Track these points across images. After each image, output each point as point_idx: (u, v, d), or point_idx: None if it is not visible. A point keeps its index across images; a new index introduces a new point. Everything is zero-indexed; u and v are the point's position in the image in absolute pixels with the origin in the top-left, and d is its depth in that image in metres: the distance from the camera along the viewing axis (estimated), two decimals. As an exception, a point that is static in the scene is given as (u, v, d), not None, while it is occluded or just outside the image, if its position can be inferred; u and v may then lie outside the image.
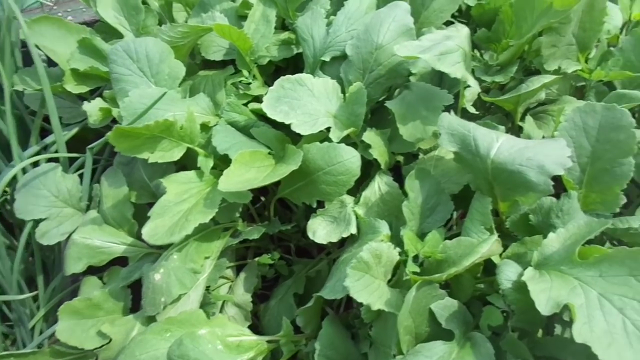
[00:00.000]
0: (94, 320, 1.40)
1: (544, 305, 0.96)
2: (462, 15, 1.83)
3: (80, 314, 1.39)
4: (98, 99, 1.61)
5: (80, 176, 1.70)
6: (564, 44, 1.46)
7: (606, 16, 1.47)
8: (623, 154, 1.18)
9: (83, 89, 1.73)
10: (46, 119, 1.81)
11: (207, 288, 1.52)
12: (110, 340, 1.36)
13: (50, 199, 1.64)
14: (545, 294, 0.97)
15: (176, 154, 1.41)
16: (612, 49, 1.54)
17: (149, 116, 1.40)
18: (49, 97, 1.68)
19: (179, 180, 1.39)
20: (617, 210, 1.25)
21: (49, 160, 1.73)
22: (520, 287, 1.05)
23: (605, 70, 1.49)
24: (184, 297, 1.35)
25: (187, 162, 1.55)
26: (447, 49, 1.24)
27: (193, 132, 1.40)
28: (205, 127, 1.50)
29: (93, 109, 1.56)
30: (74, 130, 1.82)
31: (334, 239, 1.39)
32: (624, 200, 1.23)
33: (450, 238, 1.24)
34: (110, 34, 1.80)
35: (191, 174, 1.43)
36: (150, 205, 1.40)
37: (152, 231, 1.27)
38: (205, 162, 1.43)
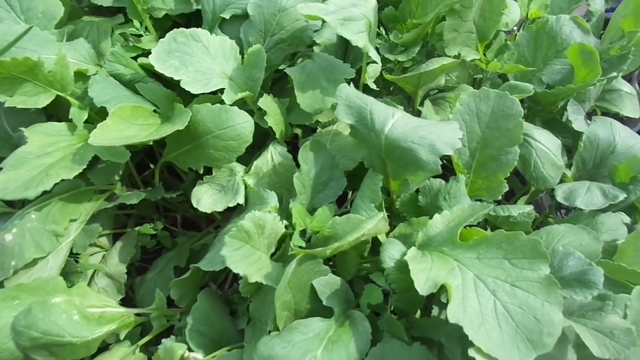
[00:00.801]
0: None
1: (422, 285, 0.95)
2: (373, -7, 1.80)
3: None
4: (-48, 30, 1.37)
5: None
6: (464, 30, 1.48)
7: (505, 8, 1.50)
8: (510, 142, 1.21)
9: None
10: None
11: (76, 255, 1.38)
12: (-57, 308, 1.17)
13: None
14: (425, 274, 0.96)
15: (42, 100, 1.23)
16: (508, 42, 1.60)
17: (13, 55, 1.20)
18: None
19: (45, 131, 1.22)
20: (500, 197, 1.28)
21: None
22: (403, 267, 1.04)
23: (500, 63, 1.53)
24: (41, 262, 1.20)
25: (62, 116, 1.38)
26: (351, 15, 1.19)
27: (64, 77, 1.23)
28: (82, 76, 1.33)
29: (-57, 40, 1.33)
30: None
31: (219, 208, 1.30)
32: (506, 188, 1.26)
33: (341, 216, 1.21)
34: (-22, -42, 1.56)
35: (61, 125, 1.27)
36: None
37: (2, 184, 1.10)
38: (79, 114, 1.27)
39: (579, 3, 1.72)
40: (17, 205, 1.40)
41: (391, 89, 1.72)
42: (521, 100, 1.40)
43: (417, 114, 1.58)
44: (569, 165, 1.59)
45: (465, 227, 1.07)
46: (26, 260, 1.16)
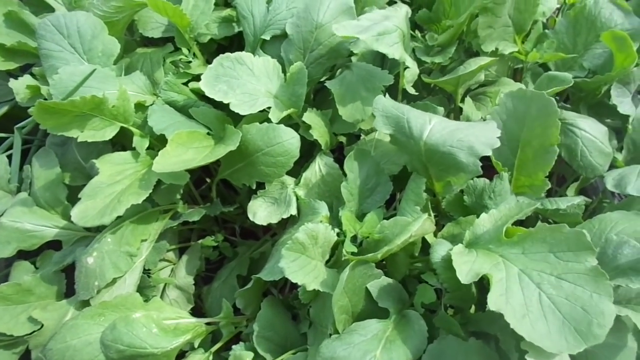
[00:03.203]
0: (25, 305, 1.35)
1: (464, 275, 0.99)
2: (406, -5, 1.83)
3: (9, 299, 1.34)
4: (26, 76, 1.53)
5: (10, 157, 1.62)
6: (500, 25, 1.49)
7: (541, -2, 1.50)
8: (548, 141, 1.22)
9: (11, 65, 1.64)
10: (-26, 98, 1.72)
11: (148, 271, 1.50)
12: (42, 326, 1.32)
13: (-24, 181, 1.56)
14: (467, 266, 1.00)
15: (108, 133, 1.36)
16: (547, 31, 1.59)
17: (80, 94, 1.33)
18: (-26, 74, 1.59)
19: (113, 161, 1.35)
20: (543, 195, 1.28)
21: (-24, 140, 1.65)
22: (451, 265, 1.07)
23: (540, 52, 1.53)
24: (119, 280, 1.33)
25: (125, 143, 1.51)
26: (385, 29, 1.24)
27: (126, 110, 1.35)
28: (141, 107, 1.45)
29: (20, 86, 1.48)
30: (4, 109, 1.73)
31: (274, 220, 1.38)
32: (548, 186, 1.28)
33: (390, 218, 1.25)
34: (41, 7, 1.71)
35: (126, 154, 1.39)
36: (86, 187, 1.35)
37: (81, 213, 1.24)
38: (141, 142, 1.39)
39: (618, -17, 1.68)
40: (92, 228, 1.54)
41: (432, 87, 1.74)
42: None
43: (459, 111, 1.61)
44: (619, 149, 1.56)
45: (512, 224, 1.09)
46: (107, 280, 1.29)
